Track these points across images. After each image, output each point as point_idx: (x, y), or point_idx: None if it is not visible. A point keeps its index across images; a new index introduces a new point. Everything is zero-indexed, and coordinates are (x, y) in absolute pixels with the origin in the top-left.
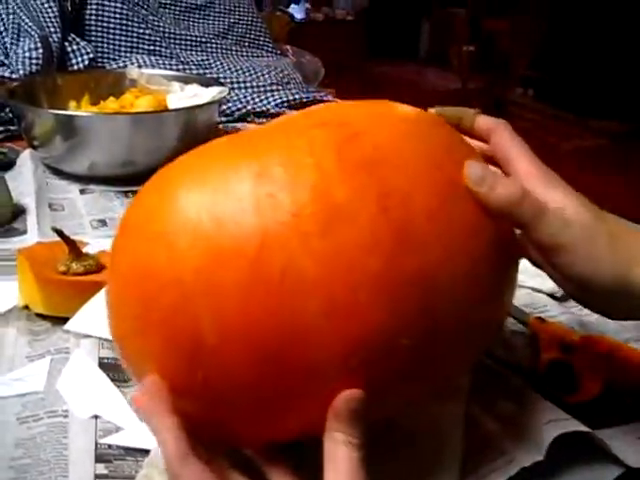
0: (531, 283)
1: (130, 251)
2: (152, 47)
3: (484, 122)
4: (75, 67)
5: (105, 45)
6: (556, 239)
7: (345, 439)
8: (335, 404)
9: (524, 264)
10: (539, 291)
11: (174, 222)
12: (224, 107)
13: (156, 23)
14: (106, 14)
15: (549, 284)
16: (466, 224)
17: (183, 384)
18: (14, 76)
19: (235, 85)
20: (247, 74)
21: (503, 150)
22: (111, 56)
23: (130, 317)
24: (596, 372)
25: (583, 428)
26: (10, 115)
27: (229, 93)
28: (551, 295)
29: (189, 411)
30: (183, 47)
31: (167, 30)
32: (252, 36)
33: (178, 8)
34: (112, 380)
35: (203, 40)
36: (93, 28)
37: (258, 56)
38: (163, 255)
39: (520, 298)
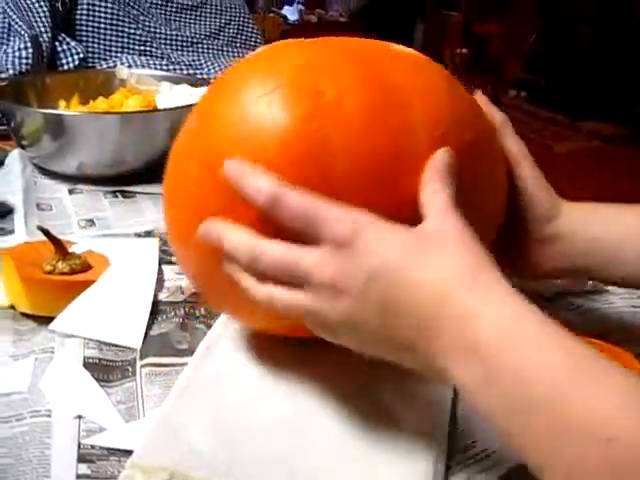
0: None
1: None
2: (143, 47)
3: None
4: (65, 67)
5: (96, 45)
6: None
7: (441, 186)
8: (433, 160)
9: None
10: (527, 292)
11: None
12: None
13: (147, 23)
14: (97, 14)
15: (537, 285)
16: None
17: (301, 142)
18: (3, 76)
19: None
20: None
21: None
22: (102, 56)
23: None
24: None
25: None
26: None
27: None
28: (539, 295)
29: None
30: (174, 47)
31: (158, 30)
32: (244, 37)
33: (169, 8)
34: (96, 380)
35: (194, 40)
36: (84, 28)
37: None
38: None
39: None
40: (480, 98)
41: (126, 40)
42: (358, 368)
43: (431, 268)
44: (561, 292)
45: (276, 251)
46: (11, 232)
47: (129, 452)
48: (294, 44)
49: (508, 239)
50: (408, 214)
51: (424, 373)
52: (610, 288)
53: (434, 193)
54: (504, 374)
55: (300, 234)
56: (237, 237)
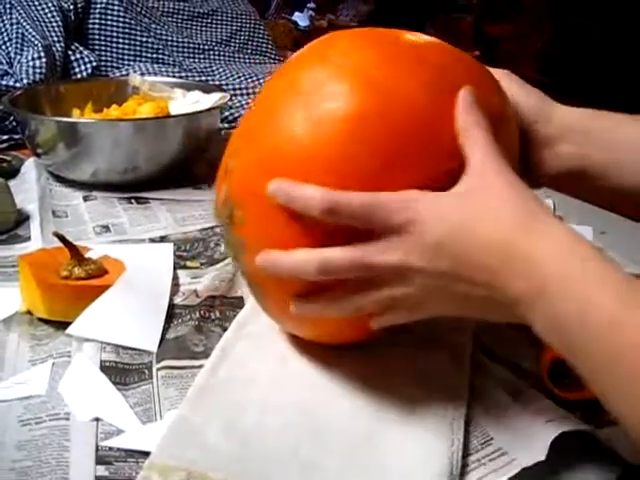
0: None
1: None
2: (155, 55)
3: None
4: (78, 75)
5: (108, 53)
6: None
7: (475, 120)
8: (463, 98)
9: None
10: None
11: None
12: (227, 113)
13: (159, 31)
14: (109, 23)
15: None
16: None
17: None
18: (18, 85)
19: (237, 92)
20: (249, 80)
21: None
22: (114, 64)
23: None
24: None
25: (584, 427)
26: (14, 123)
27: (231, 99)
28: None
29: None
30: (186, 55)
31: (170, 38)
32: (255, 43)
33: (181, 16)
34: (113, 383)
35: (206, 47)
36: (96, 37)
37: (261, 63)
38: None
39: None
40: None
41: (138, 48)
42: (375, 372)
43: (488, 224)
44: None
45: (340, 255)
46: (27, 239)
47: (147, 453)
48: (341, 36)
49: None
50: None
51: (503, 320)
52: None
53: (467, 130)
54: (568, 315)
55: (355, 234)
56: (301, 255)
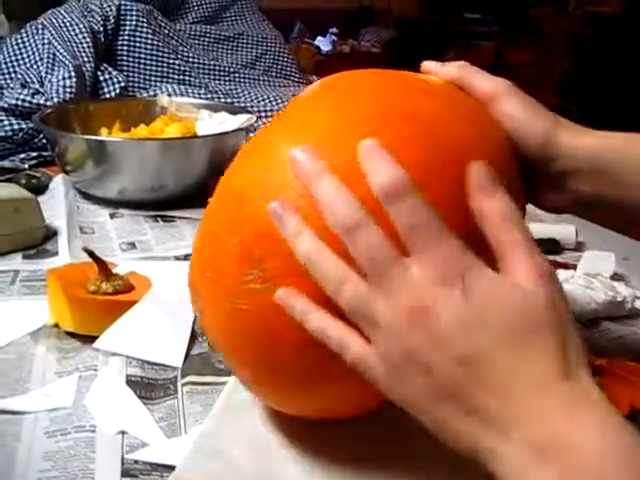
0: None
1: None
2: (182, 77)
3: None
4: (107, 95)
5: (136, 74)
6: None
7: (492, 200)
8: (470, 180)
9: None
10: None
11: None
12: (252, 135)
13: (186, 53)
14: (137, 44)
15: (574, 310)
16: None
17: None
18: (49, 104)
19: (262, 114)
20: (274, 103)
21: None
22: (142, 85)
23: None
24: (621, 397)
25: None
26: (44, 141)
27: (256, 121)
28: (576, 320)
29: None
30: (212, 77)
31: (197, 60)
32: (279, 67)
33: (208, 39)
34: (139, 397)
35: (231, 70)
36: (125, 58)
37: (285, 86)
38: None
39: None
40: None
41: (165, 70)
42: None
43: (524, 360)
44: (596, 317)
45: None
46: (55, 254)
47: (172, 467)
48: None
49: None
50: None
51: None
52: None
53: (483, 211)
54: None
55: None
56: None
